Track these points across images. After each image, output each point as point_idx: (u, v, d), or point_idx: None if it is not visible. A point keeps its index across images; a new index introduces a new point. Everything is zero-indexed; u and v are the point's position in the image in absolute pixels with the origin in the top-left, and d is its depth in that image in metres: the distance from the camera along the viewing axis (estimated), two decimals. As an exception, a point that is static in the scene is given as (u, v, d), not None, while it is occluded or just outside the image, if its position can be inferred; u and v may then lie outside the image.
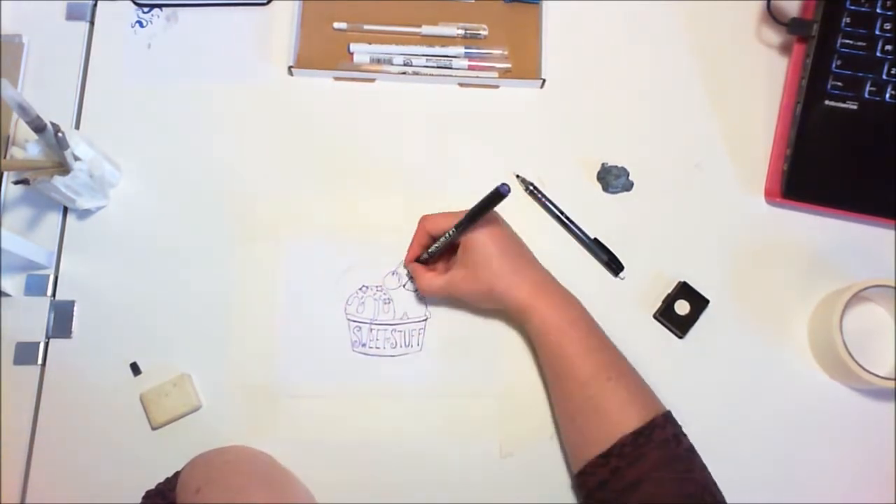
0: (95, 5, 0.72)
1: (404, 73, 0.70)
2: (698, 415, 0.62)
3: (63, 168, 0.61)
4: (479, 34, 0.71)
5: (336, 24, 0.71)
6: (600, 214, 0.67)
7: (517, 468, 0.62)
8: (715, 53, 0.71)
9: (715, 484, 0.53)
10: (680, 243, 0.67)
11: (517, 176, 0.68)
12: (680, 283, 0.65)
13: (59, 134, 0.58)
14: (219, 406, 0.63)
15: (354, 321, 0.65)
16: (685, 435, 0.55)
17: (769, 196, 0.67)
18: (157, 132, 0.69)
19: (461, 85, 0.70)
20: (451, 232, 0.59)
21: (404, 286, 0.65)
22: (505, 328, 0.64)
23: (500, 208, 0.67)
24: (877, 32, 0.66)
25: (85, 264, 0.66)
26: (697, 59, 0.71)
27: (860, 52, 0.66)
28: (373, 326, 0.64)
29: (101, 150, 0.65)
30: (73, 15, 0.72)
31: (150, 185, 0.68)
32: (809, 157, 0.66)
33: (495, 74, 0.70)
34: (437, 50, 0.70)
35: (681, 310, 0.64)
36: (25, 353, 0.64)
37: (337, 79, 0.70)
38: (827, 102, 0.66)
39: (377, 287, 0.65)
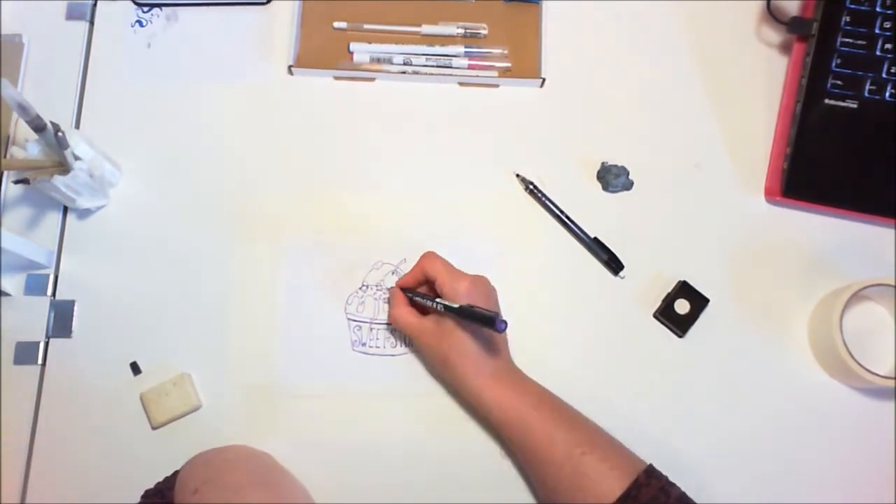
0: (95, 5, 0.72)
1: (404, 72, 0.70)
2: (698, 414, 0.62)
3: (63, 168, 0.61)
4: (478, 33, 0.71)
5: (336, 24, 0.71)
6: (600, 214, 0.67)
7: (517, 468, 0.61)
8: (715, 53, 0.71)
9: None
10: (680, 243, 0.67)
11: (517, 175, 0.68)
12: (680, 282, 0.65)
13: (59, 134, 0.58)
14: (219, 406, 0.63)
15: (354, 321, 0.65)
16: (673, 485, 0.53)
17: (769, 195, 0.67)
18: (157, 132, 0.69)
19: (461, 84, 0.70)
20: (440, 306, 0.58)
21: (404, 286, 0.65)
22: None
23: (501, 206, 0.68)
24: (876, 31, 0.66)
25: (85, 264, 0.66)
26: (697, 59, 0.71)
27: (860, 51, 0.66)
28: (373, 326, 0.64)
29: (101, 149, 0.65)
30: (73, 15, 0.72)
31: (150, 185, 0.68)
32: (809, 156, 0.66)
33: (495, 74, 0.70)
34: (437, 49, 0.70)
35: (681, 309, 0.64)
36: (25, 353, 0.64)
37: (337, 78, 0.70)
38: (827, 101, 0.66)
39: (377, 287, 0.65)
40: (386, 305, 0.65)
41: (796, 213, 0.67)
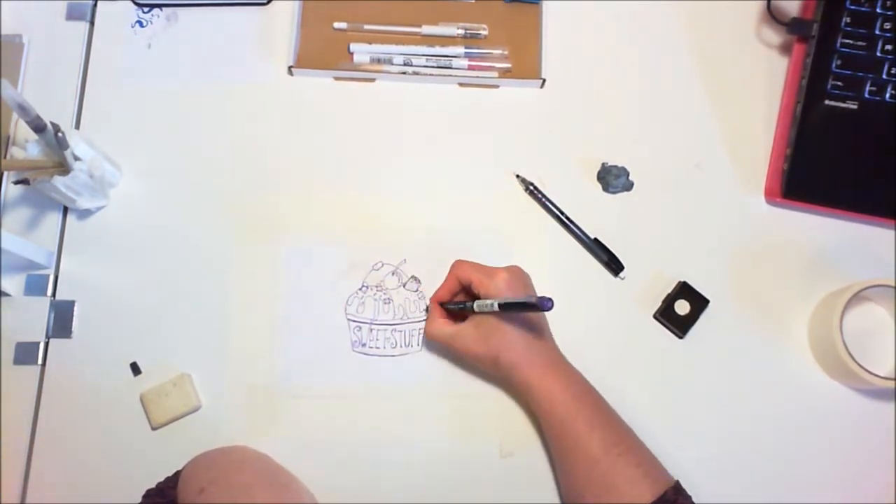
0: (95, 5, 0.72)
1: (404, 73, 0.70)
2: (698, 415, 0.62)
3: (63, 168, 0.61)
4: (479, 34, 0.71)
5: (336, 24, 0.71)
6: (600, 214, 0.67)
7: (517, 468, 0.62)
8: (715, 53, 0.71)
9: None
10: (680, 243, 0.67)
11: (517, 176, 0.68)
12: (680, 283, 0.65)
13: (59, 134, 0.58)
14: (219, 406, 0.63)
15: (354, 321, 0.65)
16: None
17: (769, 196, 0.67)
18: (157, 132, 0.69)
19: (461, 85, 0.70)
20: (481, 307, 0.57)
21: (404, 286, 0.65)
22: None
23: (501, 207, 0.68)
24: (877, 32, 0.65)
25: (85, 264, 0.66)
26: (697, 59, 0.71)
27: (860, 52, 0.66)
28: (373, 326, 0.64)
29: (101, 150, 0.65)
30: (73, 15, 0.72)
31: (150, 185, 0.68)
32: (809, 156, 0.66)
33: (495, 74, 0.70)
34: (437, 50, 0.70)
35: (681, 310, 0.64)
36: (25, 353, 0.64)
37: (337, 79, 0.70)
38: (827, 102, 0.66)
39: (377, 287, 0.65)
40: (386, 306, 0.65)
41: (796, 213, 0.67)
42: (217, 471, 0.54)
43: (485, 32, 0.71)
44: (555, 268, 0.66)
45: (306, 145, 0.69)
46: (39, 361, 0.64)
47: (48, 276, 0.66)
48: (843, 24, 0.66)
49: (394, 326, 0.64)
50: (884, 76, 0.65)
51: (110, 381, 0.63)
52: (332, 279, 0.65)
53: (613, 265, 0.66)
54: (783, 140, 0.68)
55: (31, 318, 0.64)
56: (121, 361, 0.64)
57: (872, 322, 0.64)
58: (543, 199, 0.67)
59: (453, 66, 0.70)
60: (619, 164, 0.68)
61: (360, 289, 0.65)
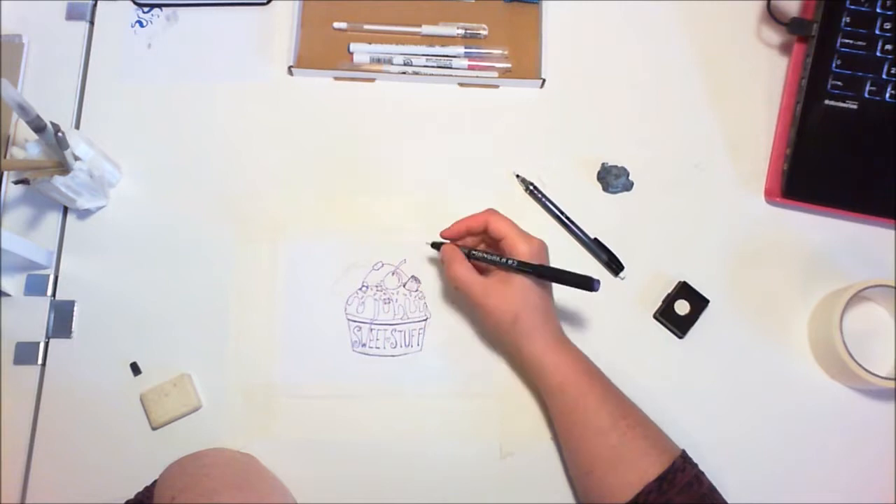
0: (95, 5, 0.72)
1: (404, 72, 0.70)
2: (698, 415, 0.62)
3: (63, 168, 0.61)
4: (479, 34, 0.71)
5: (336, 24, 0.71)
6: (600, 214, 0.67)
7: (517, 468, 0.62)
8: (715, 53, 0.71)
9: None
10: (680, 243, 0.67)
11: (517, 176, 0.68)
12: (680, 283, 0.65)
13: (59, 134, 0.58)
14: (219, 406, 0.63)
15: (354, 321, 0.65)
16: (704, 473, 0.55)
17: (769, 196, 0.67)
18: (157, 132, 0.69)
19: (461, 85, 0.70)
20: (515, 263, 0.57)
21: (404, 286, 0.65)
22: (505, 328, 0.64)
23: (501, 207, 0.68)
24: (877, 32, 0.66)
25: (85, 264, 0.66)
26: (697, 59, 0.71)
27: (860, 52, 0.66)
28: (373, 326, 0.64)
29: (101, 150, 0.65)
30: (73, 15, 0.72)
31: (150, 184, 0.68)
32: (809, 156, 0.66)
33: (495, 74, 0.70)
34: (437, 50, 0.70)
35: (681, 310, 0.64)
36: (25, 353, 0.64)
37: (337, 79, 0.70)
38: (827, 102, 0.66)
39: (377, 287, 0.65)
40: (386, 306, 0.65)
41: (796, 213, 0.67)
42: (186, 478, 0.55)
43: (485, 32, 0.71)
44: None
45: (306, 145, 0.69)
46: (39, 361, 0.64)
47: (48, 276, 0.66)
48: (843, 24, 0.66)
49: (394, 326, 0.65)
50: (884, 76, 0.65)
51: (110, 381, 0.63)
52: (332, 279, 0.65)
53: (613, 265, 0.66)
54: (783, 140, 0.68)
55: (31, 318, 0.64)
56: (121, 361, 0.64)
57: (872, 322, 0.64)
58: (543, 199, 0.67)
59: (453, 66, 0.70)
60: (619, 164, 0.68)
61: (360, 289, 0.65)
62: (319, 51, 0.70)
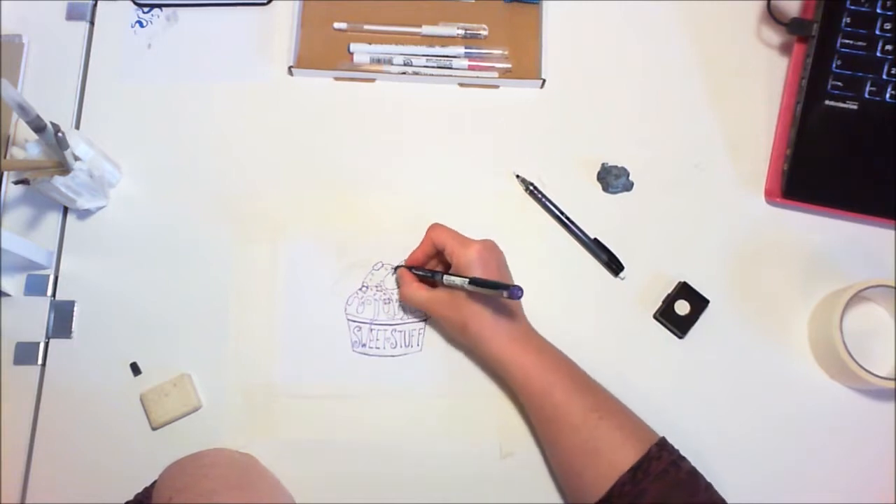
0: (95, 5, 0.72)
1: (404, 73, 0.70)
2: (698, 415, 0.62)
3: (63, 168, 0.61)
4: (479, 34, 0.71)
5: (336, 24, 0.71)
6: (600, 214, 0.67)
7: (517, 468, 0.62)
8: (715, 53, 0.71)
9: (723, 500, 0.53)
10: (680, 243, 0.67)
11: (517, 176, 0.68)
12: (680, 283, 0.65)
13: (59, 134, 0.58)
14: (219, 406, 0.63)
15: (354, 321, 0.65)
16: (684, 458, 0.54)
17: (769, 196, 0.67)
18: (157, 132, 0.69)
19: (461, 85, 0.70)
20: (450, 281, 0.58)
21: (404, 286, 0.65)
22: (505, 328, 0.64)
23: (501, 207, 0.68)
24: (877, 32, 0.65)
25: (85, 264, 0.66)
26: (697, 59, 0.71)
27: (860, 52, 0.66)
28: (373, 326, 0.64)
29: (101, 150, 0.65)
30: (73, 15, 0.72)
31: (150, 185, 0.68)
32: (809, 157, 0.66)
33: (495, 74, 0.70)
34: (437, 50, 0.70)
35: (681, 310, 0.64)
36: (25, 353, 0.64)
37: (337, 79, 0.70)
38: (827, 102, 0.66)
39: (377, 287, 0.65)
40: (386, 306, 0.65)
41: (796, 213, 0.67)
42: (185, 478, 0.54)
43: (485, 32, 0.71)
44: (555, 268, 0.66)
45: (306, 145, 0.69)
46: (39, 361, 0.64)
47: (48, 276, 0.66)
48: (843, 24, 0.66)
49: (394, 326, 0.64)
50: (884, 76, 0.65)
51: (110, 381, 0.63)
52: (332, 279, 0.66)
53: (613, 265, 0.66)
54: (783, 140, 0.68)
55: (31, 318, 0.64)
56: (121, 361, 0.64)
57: (872, 322, 0.64)
58: (543, 199, 0.67)
59: (453, 66, 0.70)
60: (619, 164, 0.68)
61: (360, 289, 0.65)
62: (319, 51, 0.70)
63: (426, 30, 0.71)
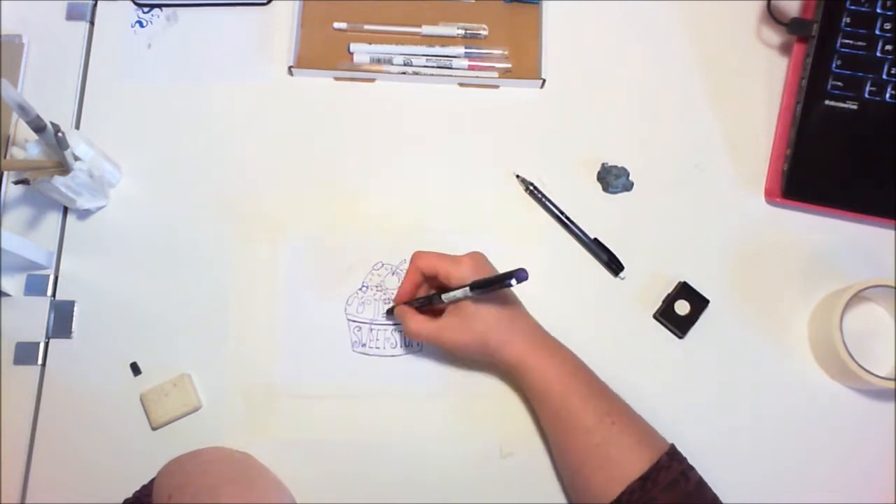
0: (95, 5, 0.72)
1: (404, 73, 0.70)
2: (698, 415, 0.62)
3: (63, 168, 0.61)
4: (479, 34, 0.71)
5: (336, 24, 0.71)
6: (600, 214, 0.67)
7: (517, 468, 0.62)
8: (715, 53, 0.71)
9: None
10: (680, 243, 0.67)
11: (517, 176, 0.68)
12: (680, 283, 0.65)
13: (59, 134, 0.58)
14: (219, 406, 0.63)
15: (354, 321, 0.65)
16: (693, 468, 0.54)
17: (769, 196, 0.67)
18: (157, 132, 0.69)
19: (461, 85, 0.70)
20: (452, 297, 0.57)
21: (404, 286, 0.65)
22: (505, 328, 0.64)
23: (501, 207, 0.68)
24: (877, 32, 0.65)
25: (85, 264, 0.66)
26: (697, 59, 0.71)
27: (860, 52, 0.66)
28: (373, 326, 0.64)
29: (101, 150, 0.65)
30: (73, 15, 0.72)
31: (150, 185, 0.68)
32: (809, 157, 0.66)
33: (495, 74, 0.70)
34: (437, 50, 0.70)
35: (681, 310, 0.64)
36: (25, 353, 0.64)
37: (337, 79, 0.70)
38: (827, 102, 0.66)
39: (377, 287, 0.65)
40: (386, 306, 0.65)
41: (796, 213, 0.67)
42: (184, 476, 0.54)
43: (485, 32, 0.71)
44: (555, 268, 0.66)
45: (306, 145, 0.69)
46: (39, 361, 0.64)
47: (48, 276, 0.66)
48: (843, 24, 0.66)
49: (394, 326, 0.64)
50: (884, 76, 0.65)
51: (110, 381, 0.63)
52: (332, 279, 0.65)
53: (613, 265, 0.66)
54: (783, 140, 0.68)
55: (31, 318, 0.64)
56: (121, 361, 0.64)
57: (872, 322, 0.64)
58: (543, 199, 0.67)
59: (453, 66, 0.70)
60: (619, 164, 0.68)
61: (360, 289, 0.65)
62: (319, 51, 0.70)
63: (426, 30, 0.71)
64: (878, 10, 0.66)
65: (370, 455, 0.62)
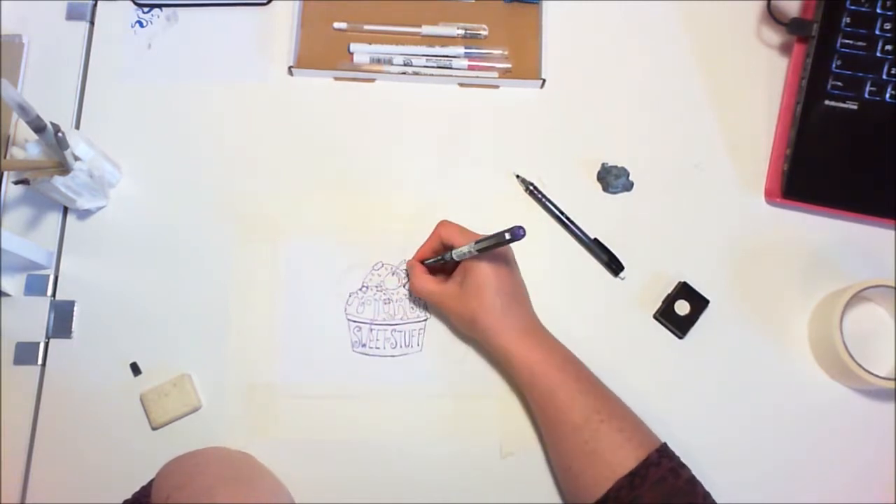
0: (95, 5, 0.72)
1: (404, 73, 0.70)
2: (698, 415, 0.62)
3: (63, 168, 0.61)
4: (479, 34, 0.71)
5: (336, 24, 0.71)
6: (600, 214, 0.67)
7: (517, 468, 0.62)
8: (715, 53, 0.71)
9: None
10: (680, 243, 0.67)
11: (517, 176, 0.68)
12: (680, 283, 0.65)
13: (59, 134, 0.58)
14: (219, 406, 0.63)
15: (354, 321, 0.65)
16: (684, 466, 0.54)
17: (769, 196, 0.67)
18: (157, 132, 0.69)
19: (461, 85, 0.70)
20: (457, 255, 0.59)
21: (404, 286, 0.65)
22: (505, 328, 0.64)
23: (501, 207, 0.68)
24: (877, 32, 0.66)
25: (85, 264, 0.66)
26: (697, 59, 0.71)
27: (860, 52, 0.66)
28: (373, 326, 0.64)
29: (101, 150, 0.65)
30: (73, 15, 0.72)
31: (150, 185, 0.68)
32: (809, 157, 0.66)
33: (495, 74, 0.70)
34: (437, 50, 0.70)
35: (681, 310, 0.64)
36: (25, 353, 0.64)
37: (337, 79, 0.70)
38: (827, 102, 0.66)
39: (377, 287, 0.65)
40: (386, 306, 0.65)
41: (796, 213, 0.67)
42: (182, 476, 0.54)
43: (485, 32, 0.71)
44: (555, 268, 0.66)
45: (306, 145, 0.69)
46: (39, 361, 0.64)
47: (48, 276, 0.66)
48: (843, 24, 0.66)
49: (394, 327, 0.65)
50: (884, 76, 0.65)
51: (110, 381, 0.63)
52: (332, 279, 0.66)
53: (613, 265, 0.66)
54: (783, 140, 0.68)
55: (31, 318, 0.64)
56: (121, 361, 0.64)
57: (872, 322, 0.64)
58: (543, 199, 0.67)
59: (453, 67, 0.70)
60: (619, 164, 0.68)
61: (360, 289, 0.65)
62: (319, 51, 0.70)
63: (426, 30, 0.71)
64: (878, 10, 0.66)
65: (370, 455, 0.62)
